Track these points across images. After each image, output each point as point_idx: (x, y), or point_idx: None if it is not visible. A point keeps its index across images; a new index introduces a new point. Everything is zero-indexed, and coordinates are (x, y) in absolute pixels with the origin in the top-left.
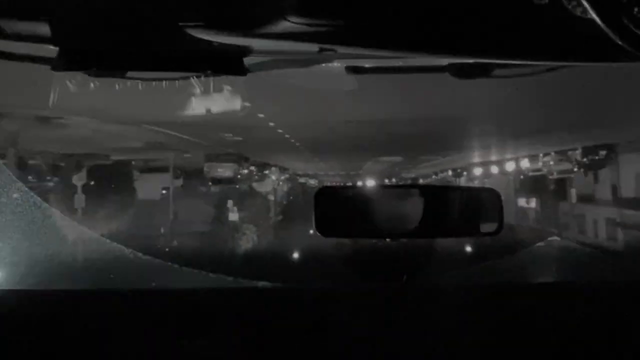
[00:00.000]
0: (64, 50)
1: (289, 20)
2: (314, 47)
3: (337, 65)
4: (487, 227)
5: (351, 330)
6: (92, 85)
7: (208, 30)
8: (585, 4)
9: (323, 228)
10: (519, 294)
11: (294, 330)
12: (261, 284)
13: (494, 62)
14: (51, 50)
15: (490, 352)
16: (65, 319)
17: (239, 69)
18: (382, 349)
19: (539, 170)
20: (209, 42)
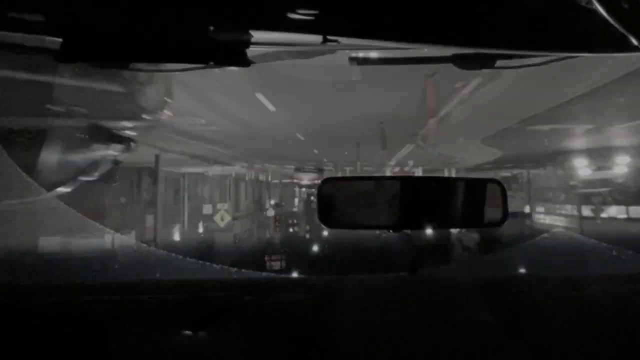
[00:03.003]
0: (68, 41)
1: (293, 12)
2: (317, 39)
3: (341, 56)
4: (491, 217)
5: (353, 321)
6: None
7: (211, 22)
8: None
9: (326, 219)
10: (522, 286)
11: (296, 322)
12: (263, 275)
13: (498, 53)
14: (55, 41)
15: (494, 344)
16: (65, 313)
17: (242, 61)
18: (385, 340)
19: None
20: (213, 34)
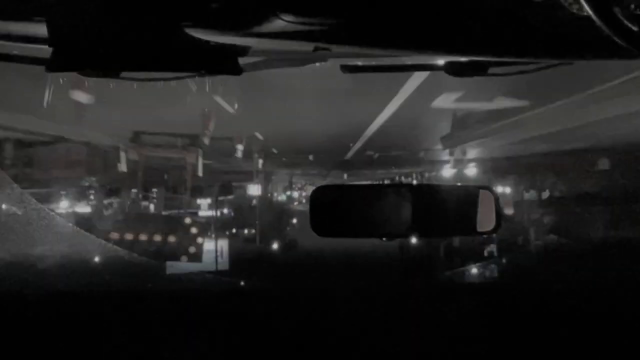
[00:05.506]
0: (58, 50)
1: (283, 19)
2: (309, 46)
3: (332, 64)
4: (484, 225)
5: (347, 329)
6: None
7: (202, 29)
8: (582, 1)
9: (319, 228)
10: (517, 292)
11: (290, 330)
12: (257, 283)
13: (489, 60)
14: (45, 50)
15: (487, 350)
16: (62, 319)
17: (234, 69)
18: (378, 348)
19: None
20: (204, 41)
